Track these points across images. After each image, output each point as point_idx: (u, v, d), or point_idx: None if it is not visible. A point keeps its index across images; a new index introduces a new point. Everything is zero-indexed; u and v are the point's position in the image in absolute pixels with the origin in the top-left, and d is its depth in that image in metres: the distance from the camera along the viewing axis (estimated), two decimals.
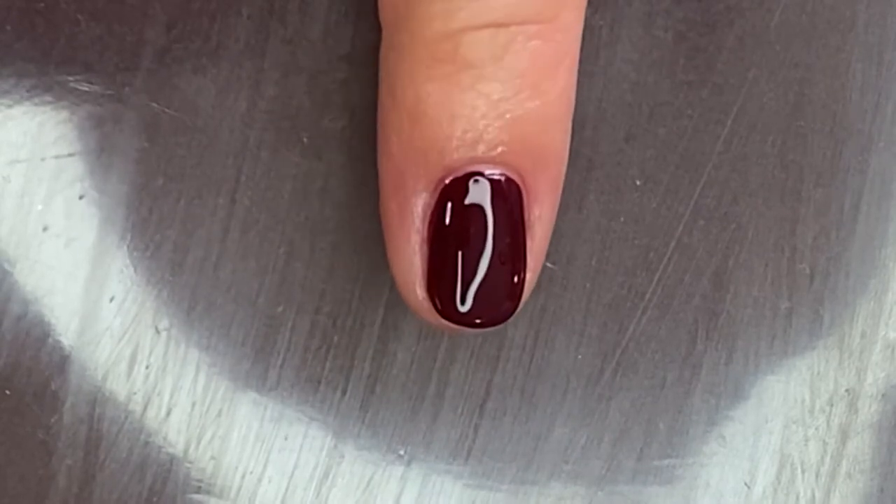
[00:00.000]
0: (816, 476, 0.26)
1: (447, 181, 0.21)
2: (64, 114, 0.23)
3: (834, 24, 0.25)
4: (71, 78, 0.23)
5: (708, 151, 0.25)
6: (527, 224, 0.21)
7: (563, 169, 0.22)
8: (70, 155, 0.23)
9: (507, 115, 0.20)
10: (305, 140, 0.24)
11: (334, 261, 0.24)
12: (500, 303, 0.21)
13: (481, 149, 0.20)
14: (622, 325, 0.25)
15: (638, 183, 0.25)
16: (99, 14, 0.23)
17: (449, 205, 0.21)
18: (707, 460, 0.25)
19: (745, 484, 0.26)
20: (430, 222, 0.21)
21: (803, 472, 0.26)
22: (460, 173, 0.21)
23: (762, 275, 0.25)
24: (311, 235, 0.24)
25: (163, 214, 0.23)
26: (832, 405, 0.26)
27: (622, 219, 0.25)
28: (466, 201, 0.21)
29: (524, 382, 0.25)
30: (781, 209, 0.25)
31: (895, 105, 0.25)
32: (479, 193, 0.21)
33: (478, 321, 0.21)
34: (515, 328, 0.25)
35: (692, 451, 0.25)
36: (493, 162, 0.21)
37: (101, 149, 0.23)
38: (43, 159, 0.23)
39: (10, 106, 0.23)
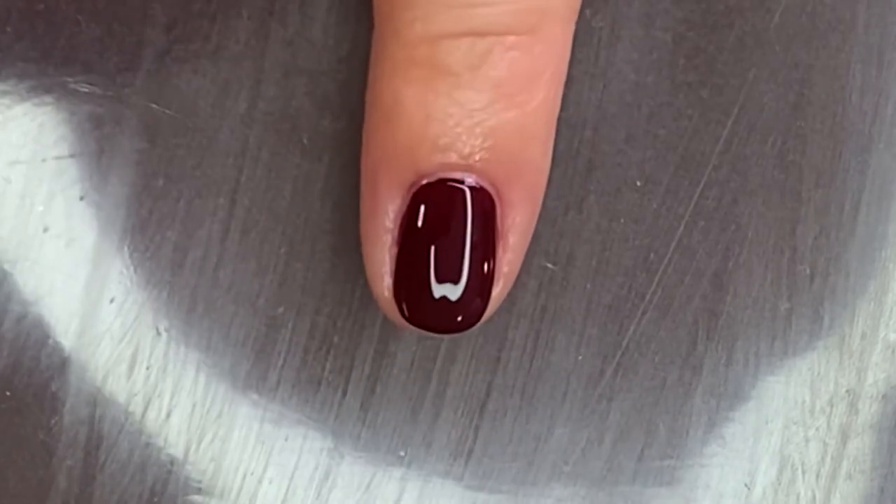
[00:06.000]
0: (817, 477, 0.26)
1: (418, 186, 0.21)
2: (64, 115, 0.23)
3: (834, 24, 0.25)
4: (71, 79, 0.23)
5: (708, 152, 0.25)
6: (499, 233, 0.21)
7: (542, 179, 0.22)
8: (70, 156, 0.23)
9: (482, 125, 0.20)
10: (305, 141, 0.24)
11: (334, 262, 0.24)
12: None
13: (454, 156, 0.20)
14: (622, 326, 0.25)
15: (638, 184, 0.25)
16: (99, 15, 0.23)
17: (418, 210, 0.21)
18: (707, 461, 0.25)
19: (746, 485, 0.26)
20: (400, 225, 0.21)
21: (803, 472, 0.26)
22: (432, 179, 0.20)
23: (762, 276, 0.25)
24: (312, 236, 0.24)
25: (163, 215, 0.23)
26: (832, 406, 0.26)
27: (622, 220, 0.25)
28: (436, 207, 0.21)
29: (524, 383, 0.25)
30: (781, 210, 0.25)
31: (895, 106, 0.26)
32: (450, 200, 0.21)
33: (441, 327, 0.21)
34: (516, 329, 0.25)
35: (692, 452, 0.25)
36: (465, 169, 0.20)
37: (102, 150, 0.23)
38: (43, 160, 0.23)
39: (10, 107, 0.23)
